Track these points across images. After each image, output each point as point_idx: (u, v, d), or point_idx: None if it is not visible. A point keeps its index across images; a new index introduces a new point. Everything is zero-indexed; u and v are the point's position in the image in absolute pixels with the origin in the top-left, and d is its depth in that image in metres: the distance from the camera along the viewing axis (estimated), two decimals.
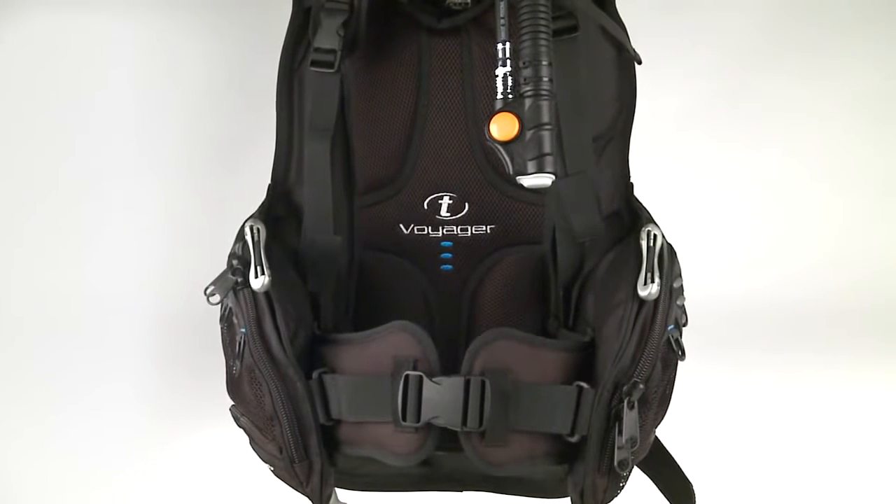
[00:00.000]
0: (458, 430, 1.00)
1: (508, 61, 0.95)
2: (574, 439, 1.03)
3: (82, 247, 1.54)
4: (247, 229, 1.06)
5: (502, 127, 0.93)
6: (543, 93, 0.92)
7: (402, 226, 1.21)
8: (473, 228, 1.21)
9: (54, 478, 1.53)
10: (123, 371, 1.55)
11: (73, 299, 1.55)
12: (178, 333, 1.53)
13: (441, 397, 1.00)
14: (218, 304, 1.07)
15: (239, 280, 1.04)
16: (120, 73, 1.51)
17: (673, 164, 1.63)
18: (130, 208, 1.53)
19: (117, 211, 1.54)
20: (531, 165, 0.92)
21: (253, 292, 1.03)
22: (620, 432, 1.00)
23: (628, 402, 1.00)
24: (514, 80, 0.94)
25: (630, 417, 1.00)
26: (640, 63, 1.14)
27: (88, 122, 1.51)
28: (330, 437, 1.07)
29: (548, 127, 0.92)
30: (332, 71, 1.12)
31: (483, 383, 0.99)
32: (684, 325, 1.09)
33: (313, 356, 1.09)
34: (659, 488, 1.21)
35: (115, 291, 1.55)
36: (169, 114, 1.52)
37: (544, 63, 0.93)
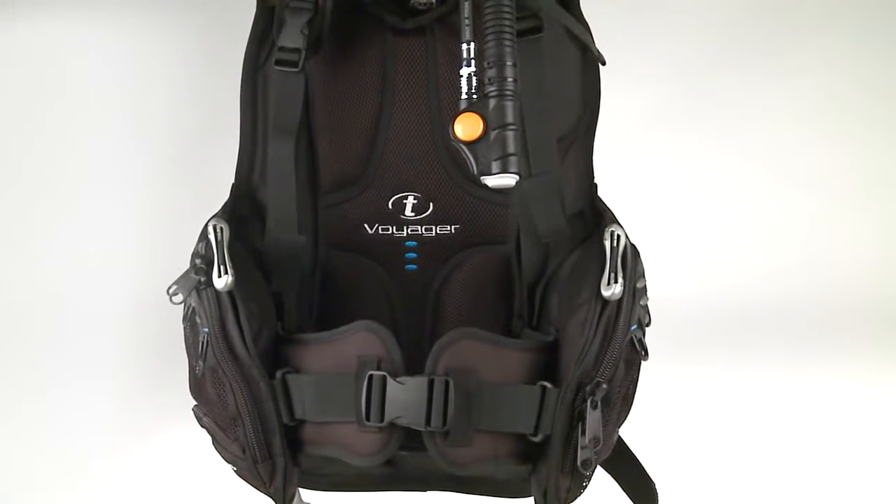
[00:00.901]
0: (422, 429, 1.00)
1: (473, 61, 0.95)
2: (537, 439, 1.04)
3: (59, 243, 1.53)
4: (210, 228, 1.05)
5: (466, 127, 0.93)
6: (508, 93, 0.93)
7: (366, 225, 1.21)
8: (438, 228, 1.21)
9: (31, 475, 1.52)
10: (100, 368, 1.55)
11: (48, 295, 1.54)
12: (155, 330, 1.52)
13: (405, 397, 0.99)
14: (181, 303, 1.06)
15: (202, 279, 1.03)
16: (94, 73, 1.50)
17: (638, 165, 1.64)
18: (107, 205, 1.53)
19: (93, 208, 1.53)
20: (495, 165, 0.92)
21: (216, 292, 1.03)
22: (583, 432, 1.01)
23: (591, 402, 1.01)
24: (478, 81, 0.95)
25: (593, 417, 1.01)
26: (604, 64, 1.15)
27: (67, 123, 1.51)
28: (293, 437, 1.06)
29: (512, 127, 0.92)
30: (296, 70, 1.11)
31: (447, 383, 0.99)
32: (647, 325, 1.10)
33: (277, 356, 1.08)
34: (622, 488, 1.22)
35: (92, 287, 1.54)
36: (144, 112, 1.51)
37: (508, 63, 0.93)
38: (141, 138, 1.52)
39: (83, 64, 1.50)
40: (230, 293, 1.03)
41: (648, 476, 1.20)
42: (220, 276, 1.02)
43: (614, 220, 1.11)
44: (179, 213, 1.50)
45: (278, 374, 1.04)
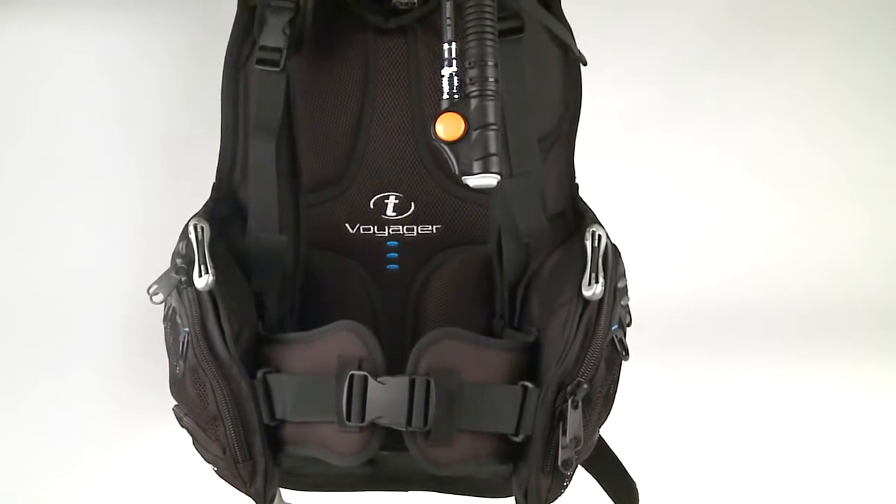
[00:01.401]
0: (403, 429, 1.00)
1: (454, 61, 0.95)
2: (519, 439, 1.04)
3: (51, 241, 1.53)
4: (191, 228, 1.05)
5: (448, 127, 0.93)
6: (489, 93, 0.93)
7: (347, 225, 1.21)
8: (419, 228, 1.20)
9: (20, 471, 1.52)
10: (90, 367, 1.55)
11: (41, 294, 1.54)
12: (144, 328, 1.51)
13: (386, 397, 0.99)
14: (161, 303, 1.06)
15: (182, 279, 1.03)
16: (89, 73, 1.50)
17: (619, 165, 1.64)
18: (99, 204, 1.52)
19: (86, 205, 1.53)
20: (477, 165, 0.92)
21: (196, 291, 1.02)
22: (564, 432, 1.01)
23: (572, 402, 1.01)
24: (460, 81, 0.95)
25: (574, 417, 1.01)
26: (585, 64, 1.15)
27: (61, 122, 1.50)
28: (274, 437, 1.06)
29: (493, 127, 0.92)
30: (277, 69, 1.11)
31: (428, 383, 0.99)
32: (628, 325, 1.10)
33: (258, 356, 1.08)
34: (603, 488, 1.22)
35: (84, 286, 1.54)
36: (137, 112, 1.51)
37: (490, 63, 0.93)
38: (133, 138, 1.52)
39: (81, 63, 1.50)
40: (211, 293, 1.02)
41: (629, 476, 1.20)
42: (200, 275, 1.02)
43: (595, 221, 1.11)
44: (172, 212, 1.49)
45: (259, 373, 1.04)
